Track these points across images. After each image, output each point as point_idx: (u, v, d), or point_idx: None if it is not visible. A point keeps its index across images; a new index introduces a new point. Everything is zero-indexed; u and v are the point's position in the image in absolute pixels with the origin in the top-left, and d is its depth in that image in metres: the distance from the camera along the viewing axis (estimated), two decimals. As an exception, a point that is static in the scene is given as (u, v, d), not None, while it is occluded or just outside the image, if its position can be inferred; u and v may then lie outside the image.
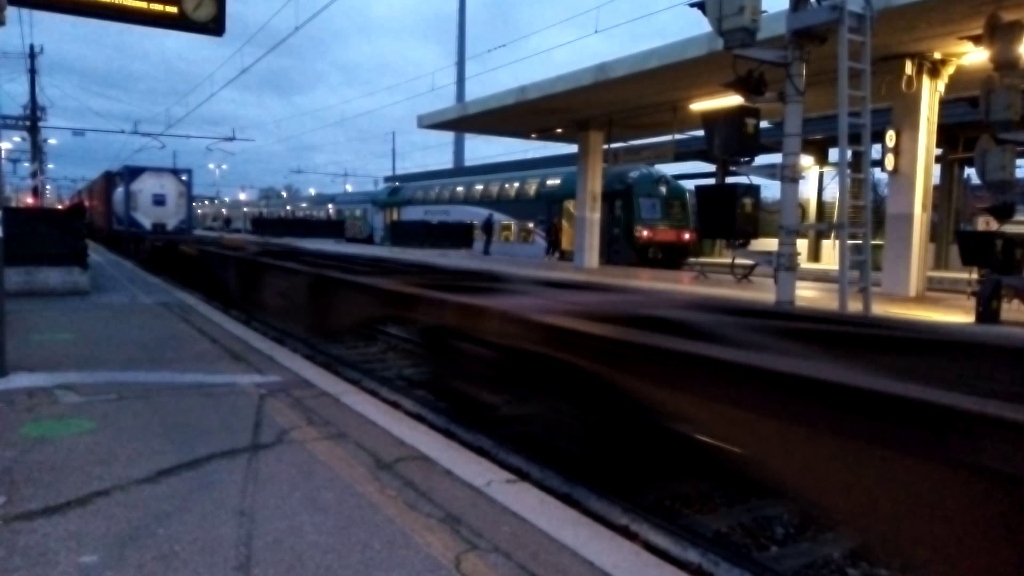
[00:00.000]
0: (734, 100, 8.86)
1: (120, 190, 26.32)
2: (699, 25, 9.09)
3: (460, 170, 48.61)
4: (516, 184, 30.36)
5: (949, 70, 11.85)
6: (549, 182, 28.08)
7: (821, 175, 25.70)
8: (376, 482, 3.53)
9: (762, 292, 11.66)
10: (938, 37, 10.59)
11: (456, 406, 5.80)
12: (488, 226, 28.76)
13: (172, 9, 7.15)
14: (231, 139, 37.96)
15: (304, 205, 59.92)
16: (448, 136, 56.11)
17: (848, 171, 8.09)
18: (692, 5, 7.98)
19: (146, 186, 24.94)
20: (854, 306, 7.86)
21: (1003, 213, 9.26)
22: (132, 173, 25.12)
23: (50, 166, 55.83)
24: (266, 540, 2.85)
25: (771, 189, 15.82)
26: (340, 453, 3.97)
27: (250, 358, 6.74)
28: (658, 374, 3.27)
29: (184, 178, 26.35)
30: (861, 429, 2.43)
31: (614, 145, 19.68)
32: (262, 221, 41.86)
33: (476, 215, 30.69)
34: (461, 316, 4.91)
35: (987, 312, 8.51)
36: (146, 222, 24.61)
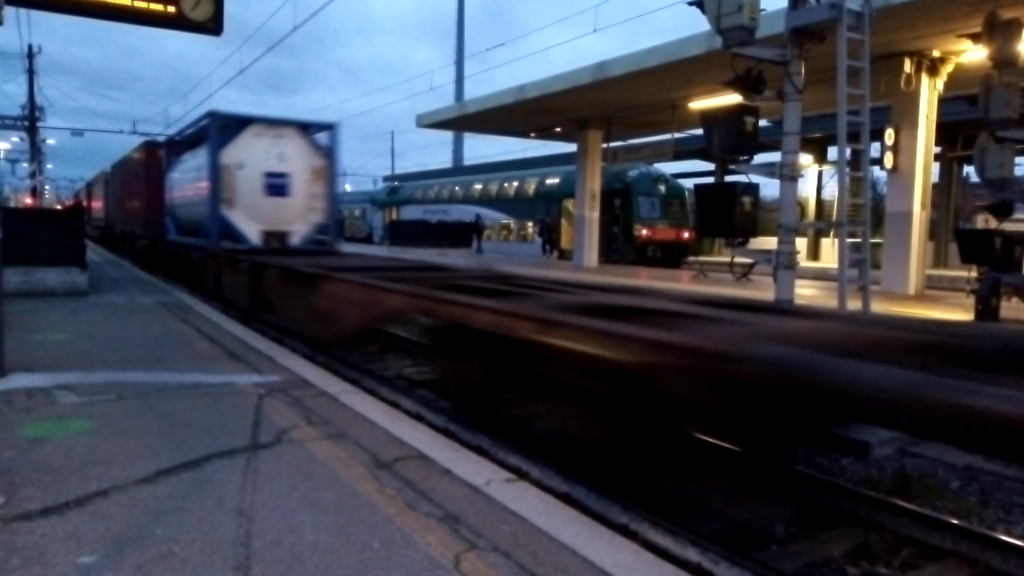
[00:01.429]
0: (733, 98, 8.86)
1: (193, 164, 13.26)
2: (698, 24, 9.08)
3: (459, 169, 48.60)
4: (515, 183, 30.37)
5: (948, 68, 11.86)
6: (548, 181, 28.10)
7: (820, 173, 25.70)
8: (375, 481, 3.53)
9: (761, 291, 11.65)
10: (937, 35, 10.60)
11: None
12: (476, 226, 29.00)
13: (170, 9, 7.15)
14: (230, 138, 37.74)
15: (303, 204, 59.66)
16: (447, 135, 56.07)
17: (847, 169, 8.09)
18: (691, 3, 7.96)
19: (252, 155, 11.96)
20: (853, 304, 7.86)
21: (1002, 211, 9.27)
22: (225, 130, 12.07)
23: (49, 166, 55.83)
24: (265, 540, 2.85)
25: (770, 187, 15.86)
26: (339, 453, 3.97)
27: (249, 358, 6.73)
28: None
29: (323, 140, 13.07)
30: None
31: (613, 144, 19.70)
32: None
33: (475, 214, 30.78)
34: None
35: (986, 310, 8.51)
36: (251, 230, 11.99)
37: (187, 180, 13.74)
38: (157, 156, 17.02)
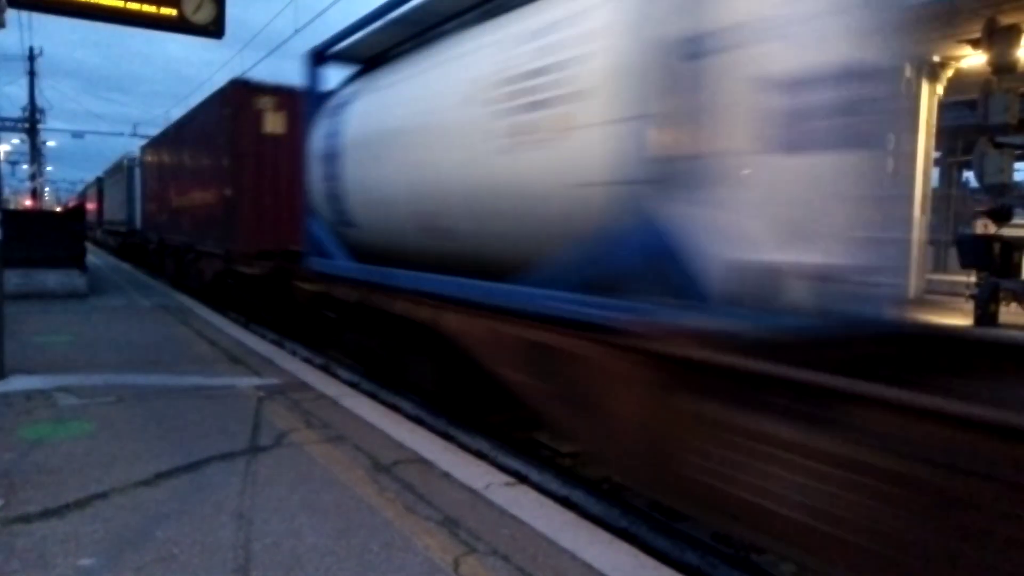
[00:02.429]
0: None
1: (485, 71, 4.19)
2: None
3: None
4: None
5: (948, 73, 11.89)
6: None
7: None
8: (375, 484, 3.53)
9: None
10: (937, 40, 10.63)
11: None
12: None
13: (172, 11, 7.17)
14: (231, 141, 37.54)
15: (303, 207, 59.54)
16: (447, 139, 56.10)
17: (846, 174, 8.09)
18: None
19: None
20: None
21: (1001, 216, 9.29)
22: None
23: (49, 168, 55.82)
24: (264, 542, 2.85)
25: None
26: (339, 456, 3.97)
27: (249, 361, 6.73)
28: None
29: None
30: None
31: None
32: None
33: None
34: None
35: (985, 315, 8.53)
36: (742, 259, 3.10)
37: (428, 129, 5.02)
38: (254, 108, 9.89)
